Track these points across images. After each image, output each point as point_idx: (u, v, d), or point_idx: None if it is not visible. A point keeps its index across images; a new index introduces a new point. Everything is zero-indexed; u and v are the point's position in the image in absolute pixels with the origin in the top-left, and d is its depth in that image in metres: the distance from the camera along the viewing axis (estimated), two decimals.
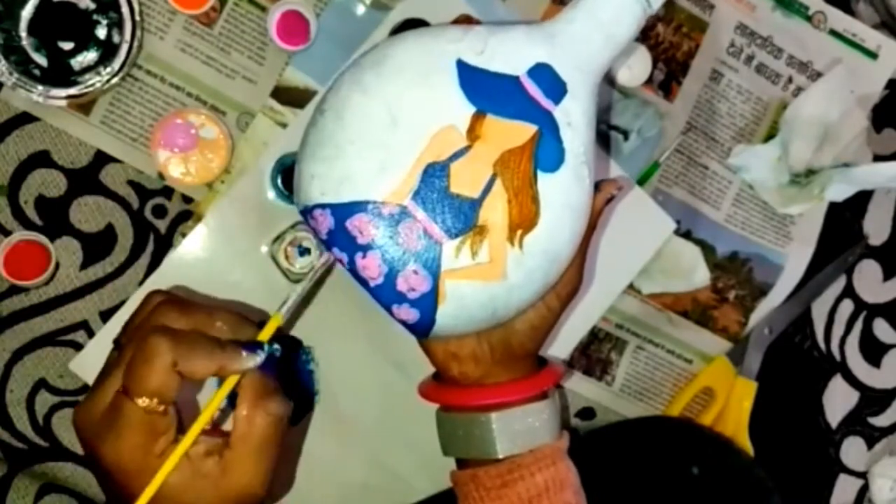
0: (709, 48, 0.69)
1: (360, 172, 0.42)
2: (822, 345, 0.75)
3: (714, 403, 0.70)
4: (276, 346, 0.43)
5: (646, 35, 0.67)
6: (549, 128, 0.43)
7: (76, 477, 0.60)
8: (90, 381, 0.59)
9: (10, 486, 0.58)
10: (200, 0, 0.58)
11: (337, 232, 0.42)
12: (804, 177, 0.70)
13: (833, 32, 0.71)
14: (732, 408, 0.70)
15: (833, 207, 0.72)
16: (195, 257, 0.60)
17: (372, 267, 0.42)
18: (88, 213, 0.59)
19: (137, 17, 0.56)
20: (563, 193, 0.44)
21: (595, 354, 0.69)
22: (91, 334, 0.60)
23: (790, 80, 0.71)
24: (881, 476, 0.76)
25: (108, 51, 0.57)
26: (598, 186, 0.49)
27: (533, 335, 0.50)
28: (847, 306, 0.75)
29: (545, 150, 0.43)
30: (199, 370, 0.40)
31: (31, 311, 0.59)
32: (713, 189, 0.70)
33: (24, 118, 0.58)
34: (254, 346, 0.43)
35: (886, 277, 0.76)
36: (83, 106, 0.58)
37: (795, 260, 0.72)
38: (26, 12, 0.56)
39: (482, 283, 0.43)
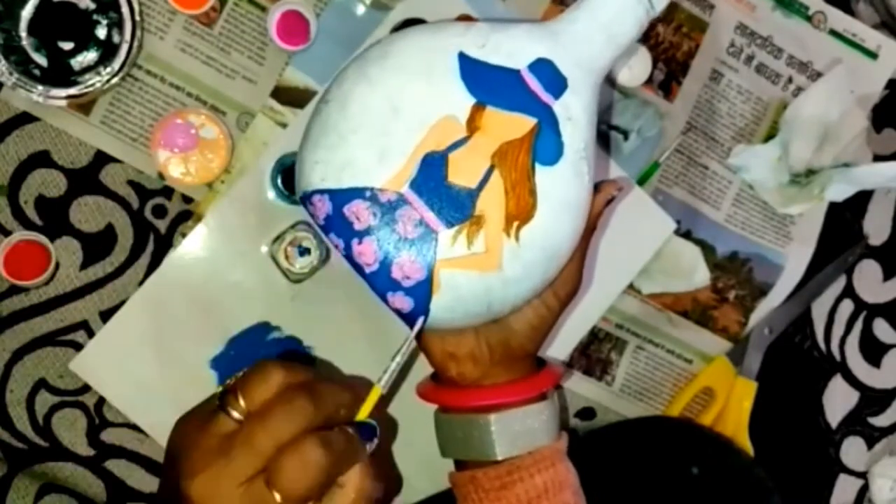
0: (709, 48, 0.69)
1: (361, 160, 0.43)
2: (822, 345, 0.75)
3: (714, 403, 0.70)
4: (374, 421, 0.42)
5: (646, 35, 0.66)
6: (548, 121, 0.44)
7: (76, 477, 0.60)
8: (90, 381, 0.59)
9: (10, 486, 0.58)
10: (200, 0, 0.58)
11: (334, 217, 0.43)
12: (804, 177, 0.70)
13: (833, 32, 0.71)
14: (732, 408, 0.70)
15: (833, 207, 0.72)
16: (195, 257, 0.60)
17: (367, 253, 0.42)
18: (88, 213, 0.59)
19: (137, 17, 0.56)
20: (561, 187, 0.44)
21: (595, 354, 0.69)
22: (91, 334, 0.60)
23: (790, 80, 0.71)
24: (881, 476, 0.76)
25: (108, 51, 0.57)
26: (598, 187, 0.49)
27: (532, 336, 0.50)
28: (847, 306, 0.75)
29: (544, 144, 0.44)
30: (344, 473, 0.40)
31: (31, 311, 0.59)
32: (713, 189, 0.70)
33: (24, 118, 0.58)
34: (367, 430, 0.42)
35: (886, 277, 0.76)
36: (83, 106, 0.58)
37: (795, 260, 0.72)
38: (26, 12, 0.56)
39: (478, 273, 0.43)
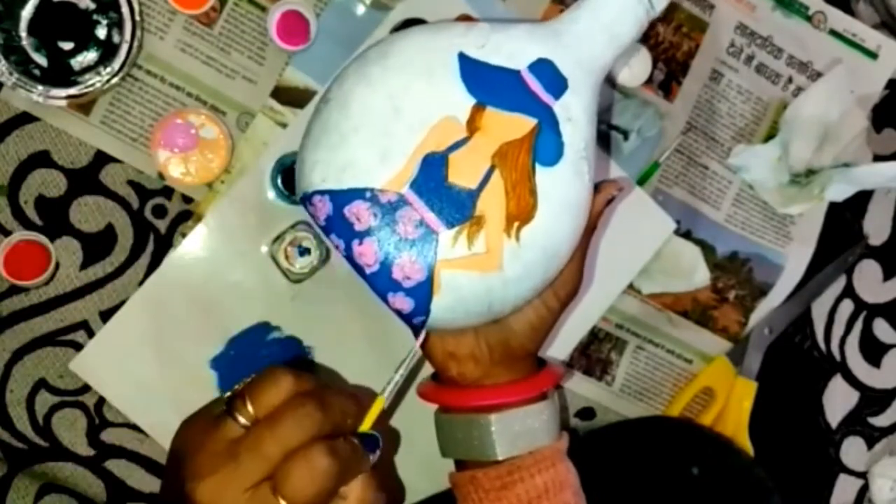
0: (709, 48, 0.69)
1: (362, 160, 0.42)
2: (822, 345, 0.75)
3: (714, 403, 0.70)
4: (377, 433, 0.42)
5: (646, 35, 0.66)
6: (548, 122, 0.44)
7: (76, 477, 0.60)
8: (90, 381, 0.59)
9: (10, 486, 0.58)
10: (200, 0, 0.58)
11: (335, 218, 0.43)
12: (804, 177, 0.70)
13: (833, 32, 0.71)
14: (732, 408, 0.70)
15: (833, 207, 0.72)
16: (195, 257, 0.60)
17: (368, 254, 0.42)
18: (88, 213, 0.59)
19: (137, 17, 0.56)
20: (561, 188, 0.44)
21: (595, 354, 0.69)
22: (91, 334, 0.60)
23: (790, 80, 0.71)
24: (881, 476, 0.76)
25: (108, 51, 0.57)
26: (598, 187, 0.49)
27: (532, 336, 0.50)
28: (847, 306, 0.75)
29: (544, 144, 0.44)
30: (348, 483, 0.40)
31: (31, 311, 0.59)
32: (713, 189, 0.70)
33: (24, 118, 0.58)
34: (370, 441, 0.42)
35: (886, 277, 0.76)
36: (83, 106, 0.58)
37: (795, 260, 0.72)
38: (26, 12, 0.56)
39: (478, 273, 0.43)
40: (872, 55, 0.72)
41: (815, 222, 0.72)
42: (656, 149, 0.68)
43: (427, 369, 0.54)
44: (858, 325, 0.76)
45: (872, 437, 0.77)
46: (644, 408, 0.70)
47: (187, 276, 0.60)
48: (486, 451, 0.49)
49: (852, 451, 0.76)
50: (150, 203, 0.60)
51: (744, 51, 0.69)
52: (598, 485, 0.51)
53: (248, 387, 0.40)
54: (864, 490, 0.77)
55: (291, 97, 0.61)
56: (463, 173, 0.43)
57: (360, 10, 0.61)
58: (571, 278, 0.50)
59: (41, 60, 0.57)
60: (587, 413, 0.70)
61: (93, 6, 0.57)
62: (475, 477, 0.49)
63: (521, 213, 0.43)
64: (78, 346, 0.59)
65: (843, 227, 0.74)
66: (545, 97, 0.44)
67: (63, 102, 0.56)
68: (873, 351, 0.76)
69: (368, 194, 0.42)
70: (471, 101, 0.43)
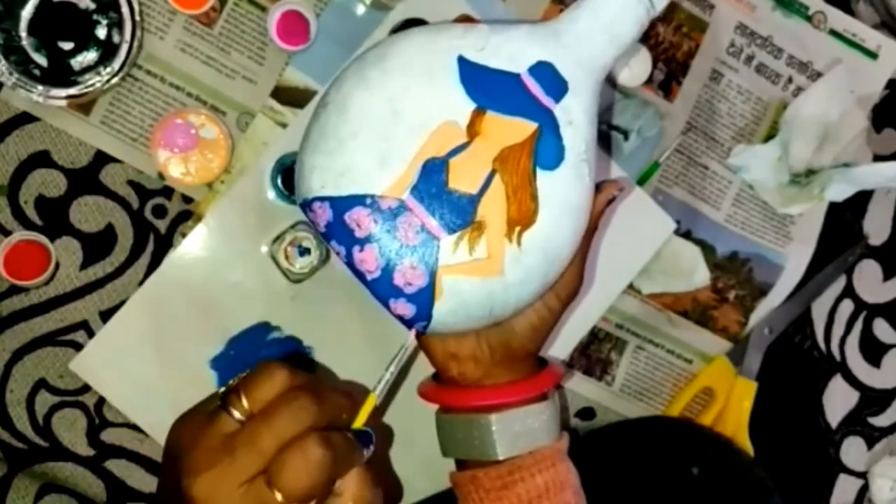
0: (709, 48, 0.69)
1: (361, 166, 0.42)
2: (822, 345, 0.75)
3: (714, 403, 0.70)
4: (369, 429, 0.43)
5: (646, 35, 0.66)
6: (549, 125, 0.43)
7: (76, 477, 0.60)
8: (90, 381, 0.59)
9: (10, 486, 0.58)
10: (200, 0, 0.58)
11: (335, 225, 0.42)
12: (804, 177, 0.70)
13: (833, 32, 0.71)
14: (732, 408, 0.70)
15: (833, 207, 0.72)
16: (195, 257, 0.60)
17: (369, 260, 0.42)
18: (88, 213, 0.59)
19: (137, 17, 0.56)
20: (563, 191, 0.44)
21: (595, 354, 0.69)
22: (91, 334, 0.59)
23: (790, 80, 0.71)
24: (881, 476, 0.76)
25: (108, 51, 0.57)
26: (598, 188, 0.49)
27: (533, 336, 0.50)
28: (847, 306, 0.75)
29: (545, 148, 0.43)
30: (342, 476, 0.40)
31: (31, 311, 0.59)
32: (713, 189, 0.70)
33: (24, 118, 0.58)
34: (363, 438, 0.42)
35: (886, 277, 0.76)
36: (83, 106, 0.58)
37: (795, 260, 0.72)
38: (26, 12, 0.56)
39: (480, 279, 0.43)
40: (872, 55, 0.72)
41: (815, 222, 0.72)
42: (656, 149, 0.68)
43: (426, 369, 0.54)
44: (858, 325, 0.76)
45: (872, 437, 0.77)
46: (644, 408, 0.70)
47: (187, 276, 0.60)
48: (486, 450, 0.49)
49: (852, 451, 0.76)
50: (150, 203, 0.60)
51: (744, 51, 0.69)
52: (599, 485, 0.51)
53: (242, 381, 0.40)
54: (864, 490, 0.77)
55: (291, 97, 0.60)
56: (463, 178, 0.42)
57: (360, 10, 0.61)
58: (572, 279, 0.50)
59: (41, 60, 0.57)
60: (587, 413, 0.70)
61: (93, 6, 0.57)
62: (476, 476, 0.49)
63: (523, 217, 0.43)
64: (78, 346, 0.59)
65: (843, 227, 0.74)
66: (545, 100, 0.44)
67: (63, 102, 0.56)
68: (873, 351, 0.76)
69: (369, 201, 0.42)
70: (471, 106, 0.43)
